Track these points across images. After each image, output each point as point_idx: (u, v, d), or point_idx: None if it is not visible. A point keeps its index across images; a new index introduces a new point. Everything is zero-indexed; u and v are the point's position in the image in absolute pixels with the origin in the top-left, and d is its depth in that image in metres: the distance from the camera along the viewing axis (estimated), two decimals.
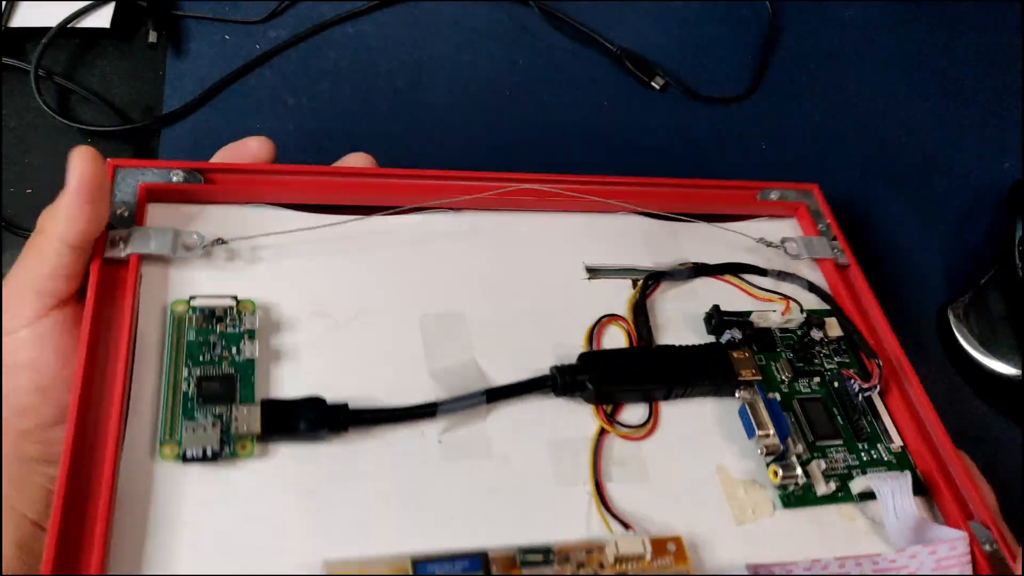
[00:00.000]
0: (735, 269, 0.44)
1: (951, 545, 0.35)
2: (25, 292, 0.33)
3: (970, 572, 0.35)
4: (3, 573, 0.31)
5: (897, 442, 0.39)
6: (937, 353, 0.47)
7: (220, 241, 0.37)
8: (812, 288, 0.44)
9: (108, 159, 0.37)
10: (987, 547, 0.36)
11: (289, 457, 0.33)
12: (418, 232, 0.41)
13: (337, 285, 0.38)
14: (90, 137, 0.49)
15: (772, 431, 0.37)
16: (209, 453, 0.31)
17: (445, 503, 0.33)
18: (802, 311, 0.42)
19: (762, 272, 0.44)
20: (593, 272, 0.42)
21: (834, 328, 0.43)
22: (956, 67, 0.58)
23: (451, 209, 0.42)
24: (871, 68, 0.57)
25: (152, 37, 0.50)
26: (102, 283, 0.34)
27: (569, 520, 0.34)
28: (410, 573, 0.29)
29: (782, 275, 0.45)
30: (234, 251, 0.37)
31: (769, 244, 0.45)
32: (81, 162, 0.33)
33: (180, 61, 0.51)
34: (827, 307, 0.43)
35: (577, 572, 0.32)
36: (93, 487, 0.29)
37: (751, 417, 0.37)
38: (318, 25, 0.52)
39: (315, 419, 0.33)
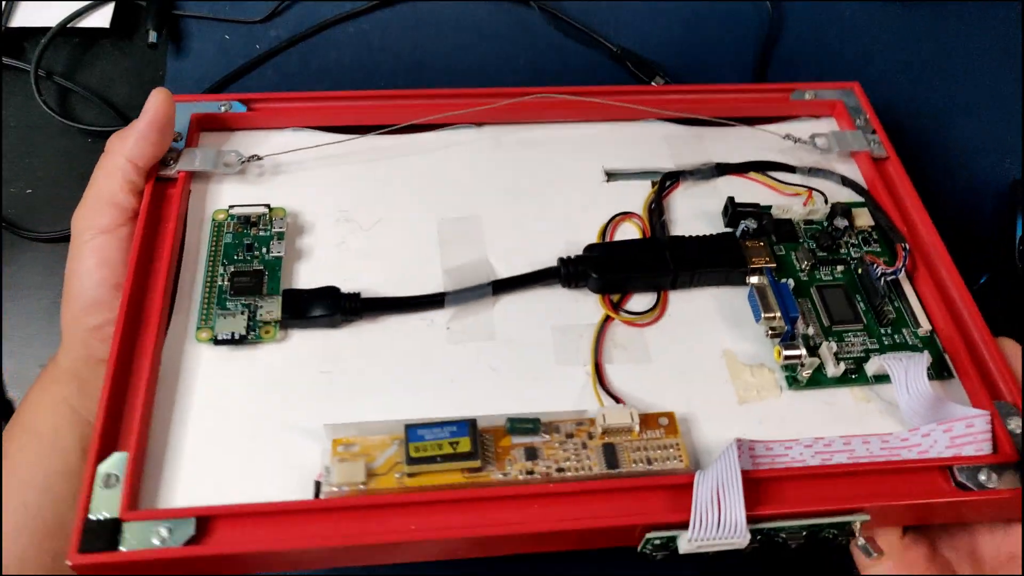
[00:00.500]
0: (761, 167, 0.44)
1: (968, 423, 0.34)
2: (102, 205, 0.38)
3: (988, 451, 0.34)
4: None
5: (925, 326, 0.38)
6: None
7: (256, 157, 0.41)
8: (845, 182, 0.43)
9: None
10: (1012, 426, 0.34)
11: (307, 341, 0.36)
12: (442, 146, 0.44)
13: (362, 194, 0.41)
14: (90, 137, 0.50)
15: (778, 313, 0.37)
16: (236, 336, 0.35)
17: (447, 378, 0.35)
18: (827, 202, 0.41)
19: (790, 169, 0.44)
20: (612, 175, 0.43)
21: (863, 218, 0.41)
22: (956, 66, 0.55)
23: (475, 124, 0.44)
24: (871, 68, 0.56)
25: (152, 37, 0.50)
26: (154, 198, 0.39)
27: (565, 396, 0.35)
28: (402, 437, 0.32)
29: (813, 171, 0.44)
30: (269, 167, 0.41)
31: (797, 140, 0.44)
32: (157, 99, 0.38)
33: (180, 61, 0.51)
34: (860, 200, 0.42)
35: (565, 441, 0.33)
36: (137, 364, 0.34)
37: (758, 300, 0.37)
38: (318, 25, 0.52)
39: (330, 306, 0.36)
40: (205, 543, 0.30)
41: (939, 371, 0.37)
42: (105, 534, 0.29)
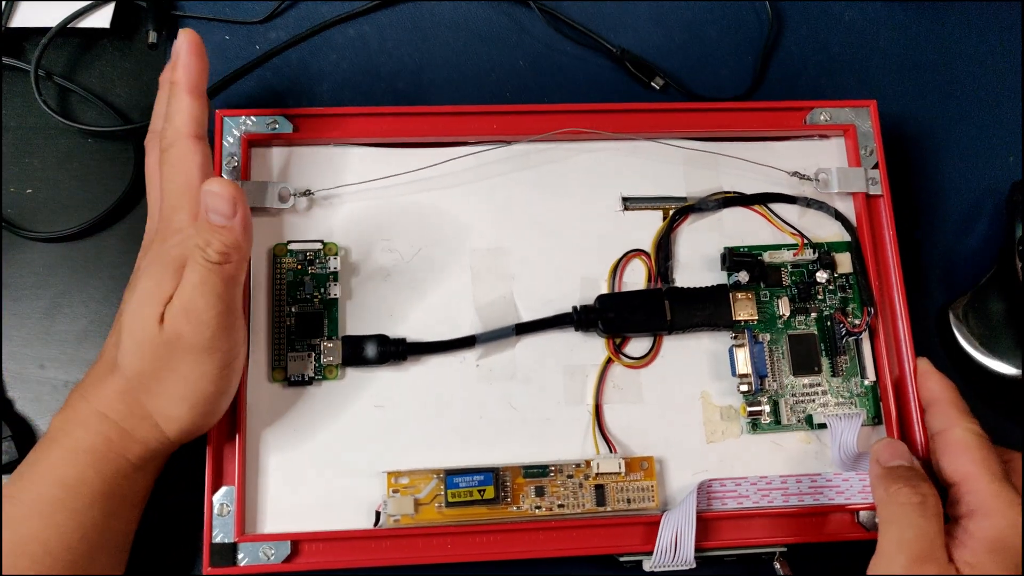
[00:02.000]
0: (764, 199, 0.48)
1: None
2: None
3: None
4: None
5: (871, 378, 0.46)
6: (937, 353, 0.49)
7: (309, 192, 0.45)
8: (838, 217, 0.48)
9: (216, 110, 0.45)
10: None
11: (363, 379, 0.44)
12: (475, 165, 0.47)
13: (403, 221, 0.46)
14: (90, 138, 0.50)
15: (749, 375, 0.44)
16: (306, 378, 0.43)
17: (476, 415, 0.44)
18: (814, 252, 0.47)
19: (791, 200, 0.48)
20: (628, 202, 0.48)
21: (845, 264, 0.47)
22: (957, 67, 0.54)
23: (505, 142, 0.47)
24: (871, 68, 0.55)
25: (152, 37, 0.50)
26: None
27: (570, 436, 0.44)
28: (442, 472, 0.42)
29: (811, 203, 0.48)
30: (319, 199, 0.46)
31: (803, 177, 0.48)
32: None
33: None
34: (847, 239, 0.47)
35: (566, 481, 0.43)
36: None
37: (736, 358, 0.45)
38: (318, 26, 0.52)
39: (382, 351, 0.44)
40: (297, 561, 0.41)
41: (871, 418, 0.46)
42: (227, 553, 0.41)
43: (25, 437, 0.46)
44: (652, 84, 0.52)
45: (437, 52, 0.53)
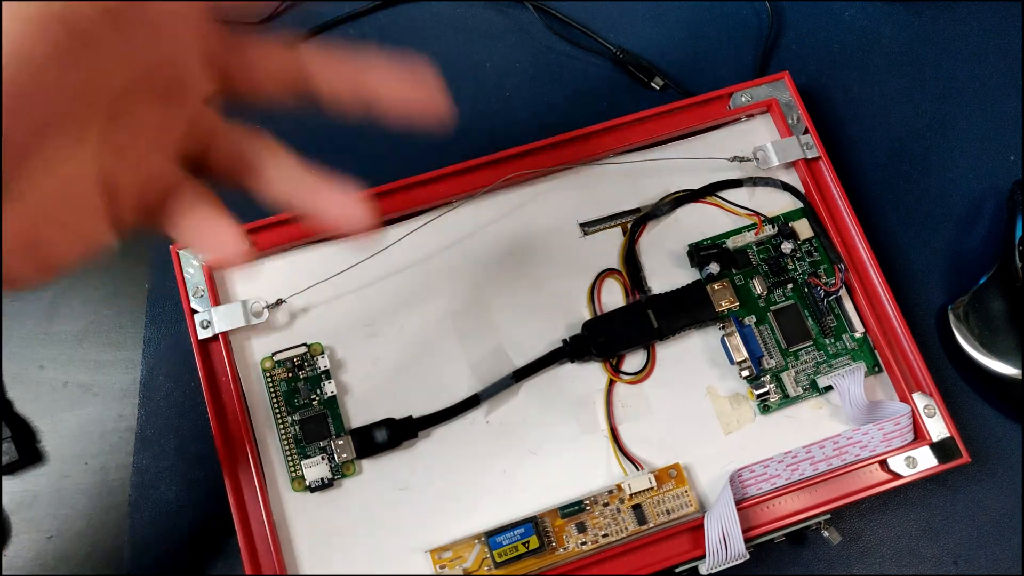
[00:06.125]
0: (712, 189, 0.49)
1: (895, 421, 0.45)
2: None
3: (911, 439, 0.45)
4: None
5: (859, 330, 0.47)
6: (937, 353, 0.50)
7: (280, 301, 0.46)
8: (786, 187, 0.49)
9: (172, 247, 0.46)
10: (926, 414, 0.45)
11: (379, 466, 0.44)
12: (431, 237, 0.48)
13: (379, 302, 0.47)
14: None
15: (746, 357, 0.45)
16: (326, 481, 0.43)
17: (499, 470, 0.44)
18: (773, 226, 0.48)
19: (738, 183, 0.50)
20: (586, 227, 0.49)
21: (805, 231, 0.48)
22: (957, 66, 0.55)
23: (451, 210, 0.48)
24: (871, 68, 0.56)
25: None
26: (204, 359, 0.44)
27: (594, 465, 0.45)
28: (482, 535, 0.42)
29: (757, 181, 0.50)
30: (292, 306, 0.46)
31: (743, 160, 0.49)
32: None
33: None
34: (800, 206, 0.49)
35: (603, 509, 0.44)
36: (256, 524, 0.42)
37: (729, 347, 0.46)
38: (318, 26, 0.53)
39: (391, 435, 0.44)
40: None
41: (872, 368, 0.47)
42: None
43: (25, 438, 0.45)
44: (652, 84, 0.53)
45: (436, 52, 0.53)
